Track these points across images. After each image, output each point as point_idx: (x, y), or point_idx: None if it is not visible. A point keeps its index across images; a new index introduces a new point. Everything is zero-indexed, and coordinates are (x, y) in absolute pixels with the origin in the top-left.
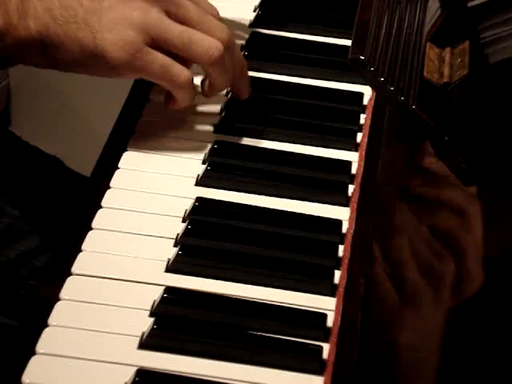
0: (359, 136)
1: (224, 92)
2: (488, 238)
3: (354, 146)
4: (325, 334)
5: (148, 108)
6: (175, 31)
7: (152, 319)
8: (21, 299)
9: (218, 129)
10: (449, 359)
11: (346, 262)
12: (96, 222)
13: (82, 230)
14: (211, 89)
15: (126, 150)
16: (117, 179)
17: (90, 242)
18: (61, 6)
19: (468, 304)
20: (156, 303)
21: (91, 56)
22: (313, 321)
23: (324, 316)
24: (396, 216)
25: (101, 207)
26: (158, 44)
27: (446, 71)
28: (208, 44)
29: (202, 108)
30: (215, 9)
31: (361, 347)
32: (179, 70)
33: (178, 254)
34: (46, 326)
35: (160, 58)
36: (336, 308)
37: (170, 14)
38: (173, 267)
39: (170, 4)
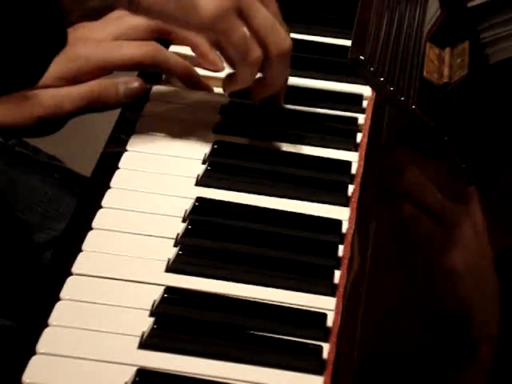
0: (359, 136)
1: (224, 92)
2: (488, 238)
3: (353, 146)
4: (325, 334)
5: (148, 108)
6: (262, 12)
7: (152, 319)
8: (21, 301)
9: (217, 129)
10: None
11: (345, 261)
12: (96, 222)
13: (83, 229)
14: (263, 84)
15: (126, 150)
16: (117, 179)
17: (91, 241)
18: None
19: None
20: (156, 303)
21: (181, 5)
22: (313, 321)
23: (324, 316)
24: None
25: (101, 207)
26: (243, 17)
27: (446, 71)
28: (285, 37)
29: (201, 108)
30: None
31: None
32: (255, 47)
33: (178, 253)
34: (47, 325)
35: (243, 29)
36: (336, 308)
37: (240, 12)
38: (173, 267)
39: (244, 2)
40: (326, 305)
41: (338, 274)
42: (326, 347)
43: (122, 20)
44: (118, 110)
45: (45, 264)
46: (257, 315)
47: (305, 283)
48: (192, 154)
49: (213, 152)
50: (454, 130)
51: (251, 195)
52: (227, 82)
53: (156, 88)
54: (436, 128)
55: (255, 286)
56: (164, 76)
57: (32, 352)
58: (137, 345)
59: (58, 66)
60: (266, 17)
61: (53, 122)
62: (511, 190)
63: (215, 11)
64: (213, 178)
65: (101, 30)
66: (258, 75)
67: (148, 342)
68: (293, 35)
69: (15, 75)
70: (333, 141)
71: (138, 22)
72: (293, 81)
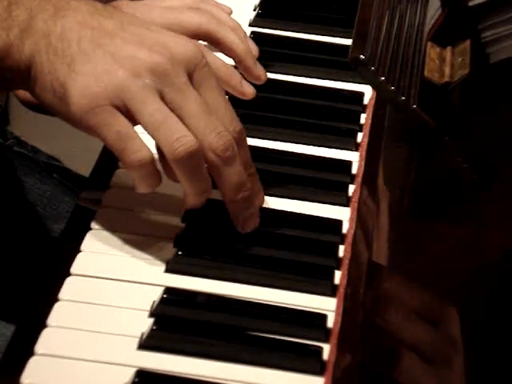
0: (360, 136)
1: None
2: (488, 238)
3: (354, 146)
4: (325, 335)
5: None
6: (150, 107)
7: (151, 320)
8: (20, 302)
9: None
10: None
11: (346, 262)
12: (95, 223)
13: (82, 230)
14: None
15: None
16: (116, 179)
17: (90, 242)
18: (60, 36)
19: (469, 303)
20: (155, 304)
21: (57, 95)
22: (313, 321)
23: (324, 317)
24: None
25: (100, 207)
26: (127, 113)
27: (447, 71)
28: (179, 136)
29: None
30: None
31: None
32: (136, 147)
33: (177, 254)
34: (45, 326)
35: (121, 123)
36: (336, 308)
37: (163, 95)
38: (172, 267)
39: (169, 87)
40: (326, 305)
41: (338, 274)
42: (327, 348)
43: (170, 12)
44: None
45: (44, 263)
46: (257, 316)
47: (305, 284)
48: None
49: None
50: (454, 129)
51: None
52: None
53: None
54: (437, 128)
55: (255, 287)
56: None
57: (31, 353)
58: (136, 345)
59: None
60: (155, 111)
61: None
62: (511, 191)
63: (85, 106)
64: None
65: (144, 15)
66: None
67: (147, 343)
68: (293, 34)
69: None
70: (333, 140)
71: (188, 19)
72: (293, 80)
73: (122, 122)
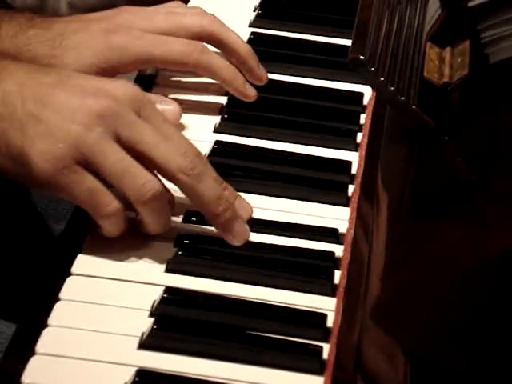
0: (359, 136)
1: (224, 92)
2: (488, 238)
3: (354, 146)
4: (325, 334)
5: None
6: (110, 159)
7: (152, 319)
8: (21, 302)
9: (218, 129)
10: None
11: (345, 262)
12: (95, 222)
13: (82, 230)
14: (143, 229)
15: None
16: None
17: (90, 242)
18: (3, 102)
19: (469, 304)
20: (156, 303)
21: (17, 162)
22: (313, 321)
23: (324, 316)
24: None
25: None
26: (90, 167)
27: (447, 71)
28: (143, 181)
29: (201, 108)
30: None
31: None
32: (107, 199)
33: (177, 253)
34: (46, 326)
35: (88, 180)
36: (336, 308)
37: (120, 138)
38: (173, 267)
39: (122, 126)
40: (326, 305)
41: (338, 274)
42: (326, 347)
43: (173, 16)
44: None
45: (44, 263)
46: (257, 315)
47: (305, 283)
48: None
49: (213, 152)
50: (454, 129)
51: (251, 195)
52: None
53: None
54: (436, 128)
55: (255, 286)
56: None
57: (32, 352)
58: (136, 345)
59: (95, 54)
60: (116, 162)
61: None
62: (511, 190)
63: (50, 169)
64: None
65: (147, 20)
66: None
67: (148, 343)
68: (293, 35)
69: None
70: (333, 141)
71: (190, 22)
72: (293, 80)
73: (89, 178)
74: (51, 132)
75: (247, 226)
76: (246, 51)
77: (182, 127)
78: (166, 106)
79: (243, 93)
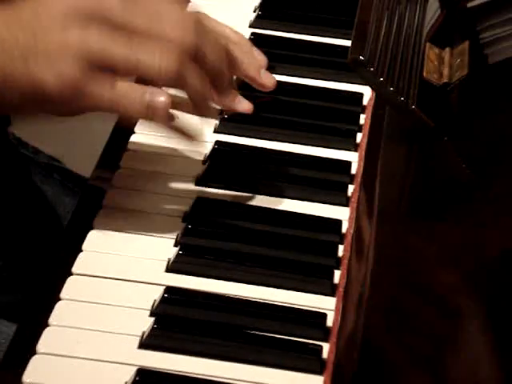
0: (359, 136)
1: None
2: (487, 238)
3: (353, 146)
4: (325, 334)
5: None
6: (119, 55)
7: (152, 319)
8: (21, 302)
9: (218, 129)
10: None
11: (345, 261)
12: (97, 222)
13: (83, 229)
14: (195, 104)
15: (128, 150)
16: (117, 179)
17: (91, 242)
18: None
19: (467, 303)
20: (156, 303)
21: (31, 95)
22: (313, 320)
23: (324, 316)
24: None
25: (101, 207)
26: (105, 64)
27: (446, 71)
28: (159, 62)
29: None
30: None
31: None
32: (133, 96)
33: (178, 253)
34: (47, 325)
35: (107, 88)
36: (336, 308)
37: (114, 26)
38: (173, 267)
39: (111, 15)
40: (325, 305)
41: (337, 273)
42: (326, 347)
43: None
44: None
45: (45, 263)
46: (257, 315)
47: (305, 283)
48: (192, 154)
49: (213, 152)
50: (453, 129)
51: (251, 195)
52: None
53: None
54: (436, 128)
55: (255, 286)
56: None
57: (32, 352)
58: (137, 345)
59: None
60: (126, 56)
61: None
62: (511, 190)
63: (62, 88)
64: (212, 177)
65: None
66: None
67: (148, 342)
68: (293, 35)
69: None
70: (333, 141)
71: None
72: (293, 81)
73: (105, 86)
74: (52, 51)
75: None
76: (246, 66)
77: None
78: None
79: (260, 83)
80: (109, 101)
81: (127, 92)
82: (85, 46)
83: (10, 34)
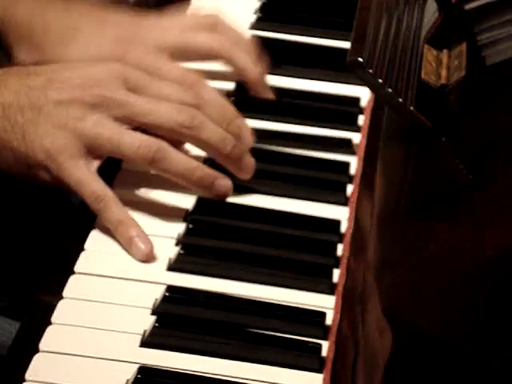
0: (358, 137)
1: (224, 93)
2: (486, 238)
3: (352, 148)
4: (324, 332)
5: None
6: (104, 136)
7: (154, 317)
8: (24, 300)
9: None
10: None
11: (344, 260)
12: (98, 222)
13: (85, 229)
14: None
15: None
16: (119, 180)
17: (93, 241)
18: (3, 115)
19: (467, 303)
20: (158, 302)
21: (26, 166)
22: (312, 319)
23: (323, 314)
24: None
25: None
26: (96, 153)
27: (444, 73)
28: (137, 144)
29: None
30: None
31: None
32: (98, 187)
33: (179, 253)
34: (49, 324)
35: (78, 171)
36: (335, 306)
37: (116, 118)
38: (174, 266)
39: (114, 108)
40: (325, 303)
41: (337, 272)
42: (325, 345)
43: (184, 34)
44: None
45: (48, 261)
46: (257, 313)
47: (304, 282)
48: (193, 154)
49: None
50: (451, 130)
51: (251, 195)
52: None
53: None
54: (434, 129)
55: (255, 285)
56: None
57: (35, 350)
58: (138, 343)
59: None
60: (110, 137)
61: None
62: (508, 191)
63: (53, 162)
64: None
65: (159, 34)
66: None
67: (149, 340)
68: (293, 37)
69: None
70: (332, 141)
71: (200, 43)
72: (292, 82)
73: (79, 170)
74: (51, 131)
75: (252, 158)
76: (255, 75)
77: None
78: None
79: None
80: (73, 183)
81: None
82: (80, 132)
83: (17, 102)
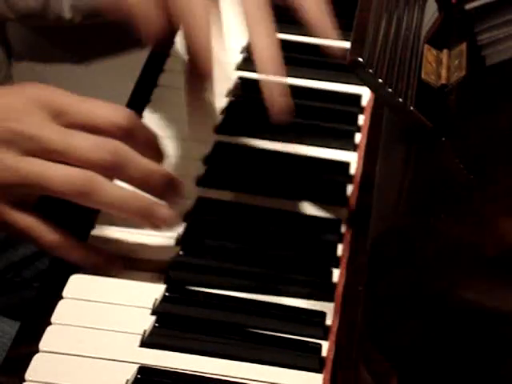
0: (358, 137)
1: (225, 93)
2: (485, 238)
3: (352, 147)
4: (324, 332)
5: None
6: (31, 175)
7: (153, 317)
8: (23, 301)
9: (218, 129)
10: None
11: (344, 260)
12: (98, 223)
13: (85, 229)
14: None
15: None
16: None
17: (93, 241)
18: None
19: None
20: (157, 302)
21: None
22: (312, 319)
23: (323, 314)
24: None
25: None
26: (20, 192)
27: (444, 73)
28: (66, 177)
29: (202, 108)
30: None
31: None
32: (42, 233)
33: (179, 253)
34: (49, 324)
35: (19, 219)
36: (335, 306)
37: (34, 153)
38: (175, 265)
39: (28, 142)
40: (325, 303)
41: (336, 272)
42: (326, 345)
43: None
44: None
45: (48, 261)
46: (256, 313)
47: (304, 282)
48: (193, 154)
49: (213, 152)
50: (451, 130)
51: (251, 195)
52: None
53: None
54: (434, 129)
55: (255, 283)
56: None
57: (35, 350)
58: (138, 343)
59: None
60: (27, 175)
61: None
62: (508, 191)
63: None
64: (213, 178)
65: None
66: None
67: (149, 340)
68: (293, 37)
69: None
70: (332, 141)
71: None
72: (293, 82)
73: (18, 217)
74: None
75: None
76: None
77: (182, 128)
78: None
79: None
80: (20, 232)
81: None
82: None
83: None
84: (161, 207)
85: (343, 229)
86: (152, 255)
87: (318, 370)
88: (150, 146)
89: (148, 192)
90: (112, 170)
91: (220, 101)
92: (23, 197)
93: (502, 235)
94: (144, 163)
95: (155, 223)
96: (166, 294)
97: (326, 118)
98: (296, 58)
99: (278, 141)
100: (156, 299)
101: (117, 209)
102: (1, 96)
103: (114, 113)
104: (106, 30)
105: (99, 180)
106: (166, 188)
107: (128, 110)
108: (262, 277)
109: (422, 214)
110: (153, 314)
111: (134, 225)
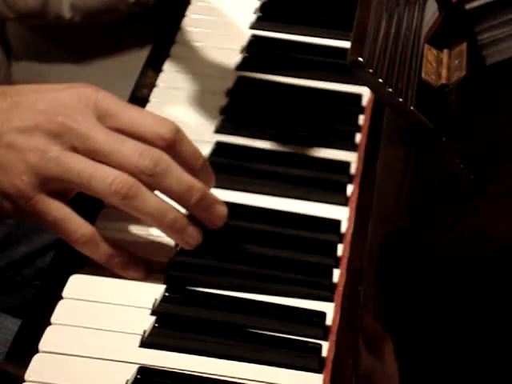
0: (358, 137)
1: (224, 93)
2: (485, 238)
3: (352, 147)
4: (324, 332)
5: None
6: (74, 171)
7: (153, 318)
8: (24, 299)
9: (218, 129)
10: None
11: (344, 261)
12: (98, 223)
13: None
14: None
15: None
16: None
17: None
18: None
19: (467, 303)
20: (157, 302)
21: None
22: (312, 319)
23: (323, 314)
24: None
25: (103, 207)
26: (60, 186)
27: (444, 73)
28: (111, 179)
29: (202, 108)
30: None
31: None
32: (74, 226)
33: (179, 253)
34: (49, 324)
35: (53, 209)
36: (335, 307)
37: (77, 150)
38: (175, 265)
39: (76, 139)
40: (325, 303)
41: (337, 272)
42: (326, 345)
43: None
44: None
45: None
46: (257, 314)
47: (304, 282)
48: None
49: (213, 152)
50: (451, 130)
51: (251, 195)
52: None
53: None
54: (434, 129)
55: (256, 282)
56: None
57: (35, 350)
58: (138, 343)
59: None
60: (80, 172)
61: None
62: (508, 191)
63: (18, 202)
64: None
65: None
66: None
67: (149, 341)
68: (293, 37)
69: None
70: (332, 141)
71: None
72: (293, 82)
73: (53, 207)
74: (10, 166)
75: (222, 205)
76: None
77: (182, 128)
78: None
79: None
80: (52, 221)
81: (70, 219)
82: (43, 166)
83: None
84: (193, 226)
85: (343, 229)
86: (152, 255)
87: (317, 370)
88: (195, 164)
89: (185, 207)
90: (153, 178)
91: (221, 100)
92: (61, 190)
93: (501, 235)
94: (185, 177)
95: (183, 239)
96: (166, 294)
97: (326, 118)
98: (296, 58)
99: (278, 141)
100: (156, 299)
101: (153, 218)
102: (52, 91)
103: (161, 124)
104: (106, 30)
105: (142, 187)
106: (203, 207)
107: (174, 123)
108: (261, 277)
109: (422, 215)
110: (153, 314)
111: (134, 225)
